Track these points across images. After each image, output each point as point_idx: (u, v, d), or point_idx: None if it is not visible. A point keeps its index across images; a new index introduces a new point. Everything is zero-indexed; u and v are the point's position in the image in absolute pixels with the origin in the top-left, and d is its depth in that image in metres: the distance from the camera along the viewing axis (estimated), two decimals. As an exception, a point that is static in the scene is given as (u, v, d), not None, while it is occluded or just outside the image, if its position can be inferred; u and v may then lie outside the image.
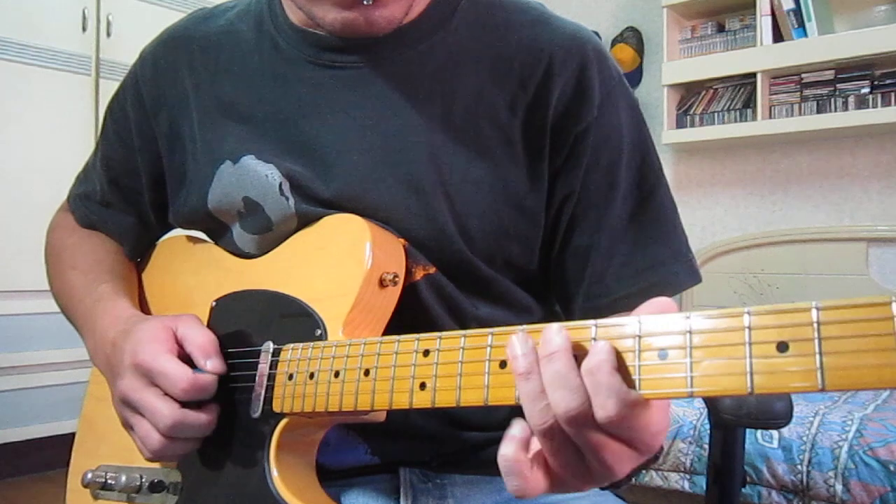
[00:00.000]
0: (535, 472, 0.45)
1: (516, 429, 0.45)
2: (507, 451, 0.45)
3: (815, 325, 0.35)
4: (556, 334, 0.43)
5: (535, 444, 0.45)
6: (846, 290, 2.67)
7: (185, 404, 0.60)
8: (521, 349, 0.44)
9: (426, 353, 0.50)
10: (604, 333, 0.42)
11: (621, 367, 0.41)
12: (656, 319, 0.41)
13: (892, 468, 1.52)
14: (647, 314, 0.42)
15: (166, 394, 0.60)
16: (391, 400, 0.51)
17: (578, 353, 0.43)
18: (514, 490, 0.45)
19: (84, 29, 2.55)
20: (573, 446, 0.43)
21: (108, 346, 0.68)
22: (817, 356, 0.35)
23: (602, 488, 0.72)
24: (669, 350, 0.40)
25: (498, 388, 0.46)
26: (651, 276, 0.69)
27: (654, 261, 0.69)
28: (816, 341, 0.35)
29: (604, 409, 0.40)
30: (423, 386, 0.49)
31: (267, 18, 0.75)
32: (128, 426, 0.64)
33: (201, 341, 0.63)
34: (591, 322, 0.43)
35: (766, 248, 2.87)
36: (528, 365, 0.43)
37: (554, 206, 0.70)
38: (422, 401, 0.49)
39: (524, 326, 0.46)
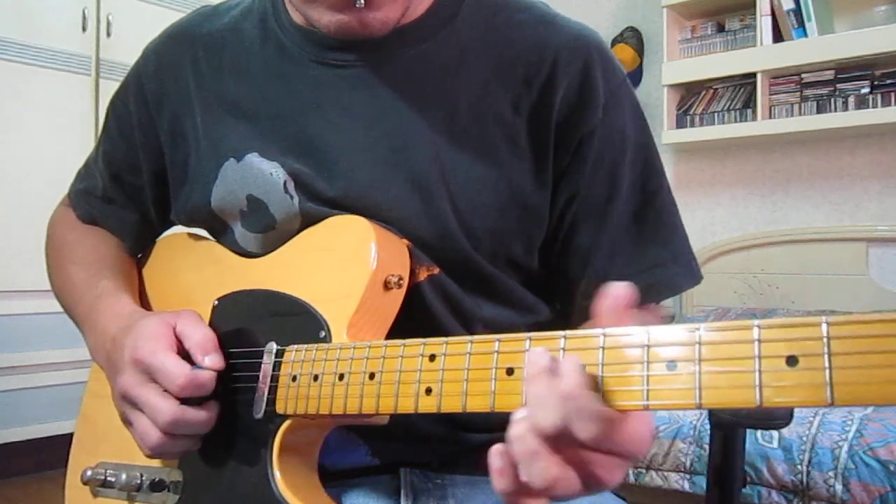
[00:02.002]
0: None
1: (496, 460, 0.45)
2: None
3: (825, 339, 0.35)
4: (539, 356, 0.43)
5: None
6: (846, 290, 2.67)
7: (184, 401, 0.60)
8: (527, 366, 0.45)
9: (432, 357, 0.50)
10: (612, 342, 0.42)
11: (592, 381, 0.41)
12: (665, 330, 0.41)
13: (892, 468, 1.52)
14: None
15: (165, 390, 0.60)
16: (396, 404, 0.51)
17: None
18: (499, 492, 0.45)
19: (84, 29, 2.55)
20: (570, 472, 0.43)
21: (108, 342, 0.68)
22: (826, 371, 0.35)
23: None
24: (678, 361, 0.40)
25: (504, 394, 0.46)
26: (650, 277, 0.69)
27: (654, 262, 0.69)
28: (826, 356, 0.35)
29: (586, 431, 0.40)
30: (428, 391, 0.49)
31: (270, 17, 0.75)
32: (127, 422, 0.64)
33: (200, 338, 0.63)
34: (599, 331, 0.43)
35: (766, 248, 2.87)
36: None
37: (558, 207, 0.70)
38: (427, 406, 0.49)
39: (532, 334, 0.46)
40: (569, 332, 0.45)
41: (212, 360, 0.61)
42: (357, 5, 0.62)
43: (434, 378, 0.49)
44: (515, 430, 0.43)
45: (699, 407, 0.39)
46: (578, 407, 0.40)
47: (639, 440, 0.42)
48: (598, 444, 0.41)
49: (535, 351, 0.44)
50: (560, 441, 0.42)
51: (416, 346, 0.51)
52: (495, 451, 0.44)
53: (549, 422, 0.41)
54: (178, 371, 0.60)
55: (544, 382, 0.42)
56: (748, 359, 0.38)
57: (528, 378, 0.43)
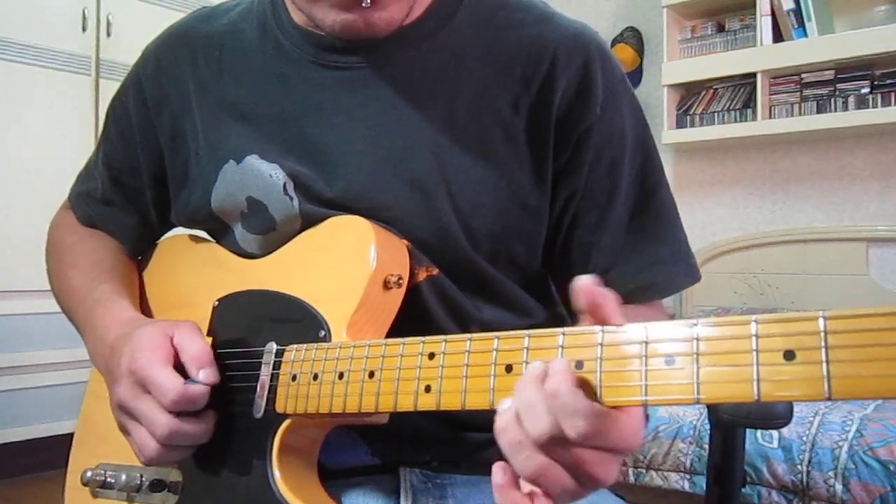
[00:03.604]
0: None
1: (497, 475, 0.45)
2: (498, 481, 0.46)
3: (822, 334, 0.35)
4: (533, 366, 0.44)
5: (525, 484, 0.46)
6: (846, 290, 2.67)
7: (181, 413, 0.60)
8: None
9: (431, 356, 0.50)
10: (611, 339, 0.43)
11: (581, 381, 0.42)
12: (663, 326, 0.41)
13: (892, 468, 1.52)
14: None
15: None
16: (395, 402, 0.51)
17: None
18: None
19: (84, 29, 2.55)
20: (556, 466, 0.43)
21: (106, 349, 0.68)
22: (824, 365, 0.35)
23: None
24: (676, 356, 0.40)
25: (504, 391, 0.46)
26: (650, 275, 0.69)
27: (654, 260, 0.70)
28: (823, 350, 0.35)
29: (574, 428, 0.41)
30: (427, 388, 0.49)
31: (270, 18, 0.75)
32: (125, 431, 0.64)
33: (195, 351, 0.62)
34: (597, 328, 0.43)
35: (766, 248, 2.87)
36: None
37: (558, 205, 0.70)
38: (426, 403, 0.49)
39: (531, 331, 0.46)
40: (567, 329, 0.45)
41: (205, 375, 0.61)
42: (364, 4, 0.62)
43: (433, 376, 0.49)
44: (500, 421, 0.45)
45: (697, 402, 0.39)
46: (564, 404, 0.41)
47: (630, 434, 0.43)
48: (588, 441, 0.42)
49: (533, 364, 0.45)
50: (552, 443, 0.42)
51: (416, 345, 0.51)
52: (497, 467, 0.46)
53: (540, 428, 0.42)
54: (170, 385, 0.59)
55: (533, 387, 0.43)
56: (746, 353, 0.38)
57: (517, 388, 0.44)
